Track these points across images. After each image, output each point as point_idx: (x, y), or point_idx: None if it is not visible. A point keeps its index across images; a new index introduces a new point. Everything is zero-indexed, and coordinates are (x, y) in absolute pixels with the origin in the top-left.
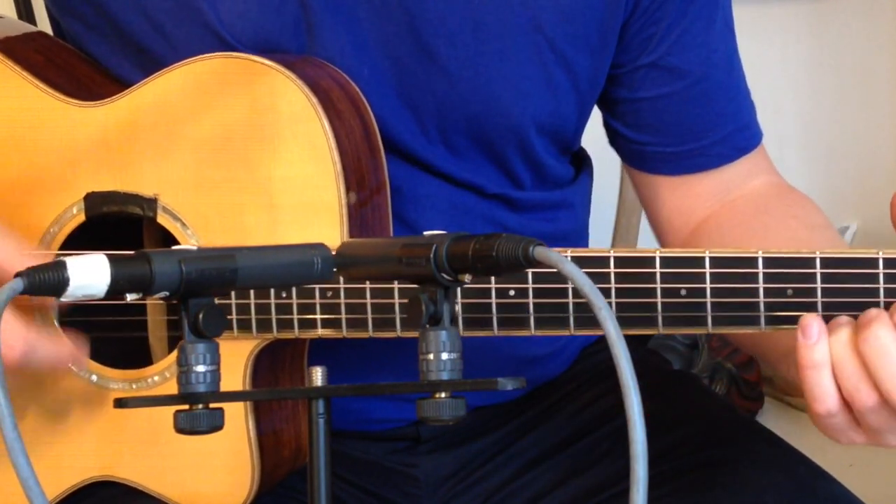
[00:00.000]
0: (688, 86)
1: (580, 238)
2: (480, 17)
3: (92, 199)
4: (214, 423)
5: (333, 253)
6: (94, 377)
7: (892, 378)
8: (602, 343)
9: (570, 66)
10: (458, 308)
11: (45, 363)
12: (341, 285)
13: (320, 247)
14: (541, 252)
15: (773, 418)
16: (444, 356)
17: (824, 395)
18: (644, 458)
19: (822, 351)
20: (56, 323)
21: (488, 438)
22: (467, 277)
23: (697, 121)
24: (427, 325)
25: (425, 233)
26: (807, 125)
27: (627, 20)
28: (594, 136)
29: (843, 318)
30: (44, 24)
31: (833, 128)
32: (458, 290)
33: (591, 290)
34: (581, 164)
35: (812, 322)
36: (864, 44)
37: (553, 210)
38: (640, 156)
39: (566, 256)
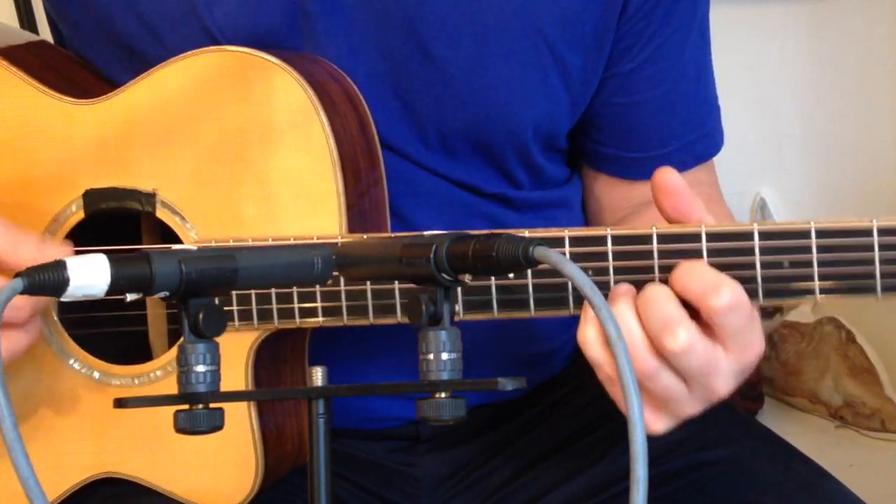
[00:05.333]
0: (658, 95)
1: None
2: (481, 19)
3: (91, 196)
4: (214, 424)
5: (337, 244)
6: (95, 373)
7: (659, 322)
8: None
9: (565, 68)
10: (458, 291)
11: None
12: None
13: (320, 247)
14: (541, 252)
15: (773, 418)
16: (444, 356)
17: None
18: (644, 458)
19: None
20: (56, 318)
21: (488, 438)
22: (467, 277)
23: (663, 129)
24: (427, 325)
25: (425, 233)
26: (807, 125)
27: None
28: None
29: (623, 287)
30: (44, 29)
31: (833, 128)
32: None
33: (590, 290)
34: (576, 164)
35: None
36: (864, 43)
37: (551, 209)
38: (597, 156)
39: (563, 236)
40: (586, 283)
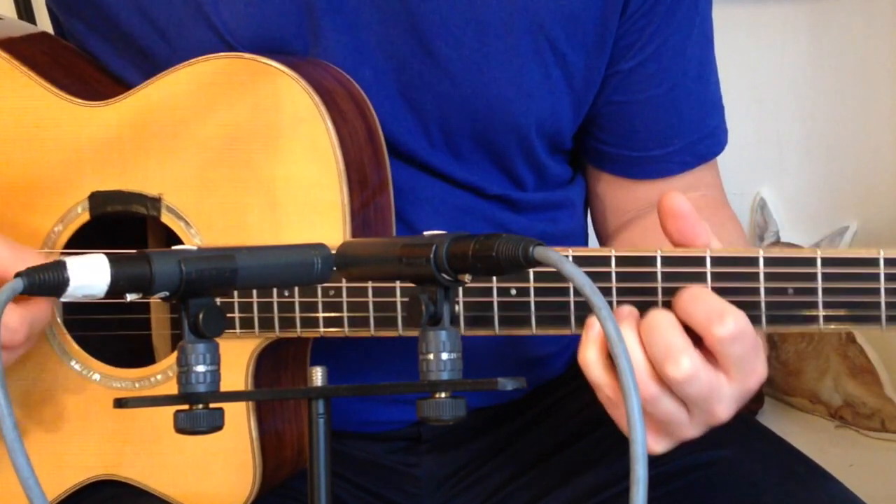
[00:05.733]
0: (660, 94)
1: (580, 238)
2: (483, 18)
3: (96, 199)
4: (214, 424)
5: (334, 252)
6: (97, 376)
7: (663, 351)
8: None
9: (567, 66)
10: (460, 307)
11: (43, 326)
12: (343, 284)
13: (320, 247)
14: (541, 252)
15: (773, 418)
16: (444, 356)
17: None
18: (644, 459)
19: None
20: (59, 320)
21: (488, 438)
22: (467, 277)
23: (665, 128)
24: (427, 325)
25: (425, 233)
26: (807, 125)
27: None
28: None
29: (626, 309)
30: (44, 24)
31: (833, 128)
32: (460, 289)
33: (590, 291)
34: (578, 164)
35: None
36: (864, 44)
37: (554, 210)
38: (599, 155)
39: (567, 256)
40: (586, 284)
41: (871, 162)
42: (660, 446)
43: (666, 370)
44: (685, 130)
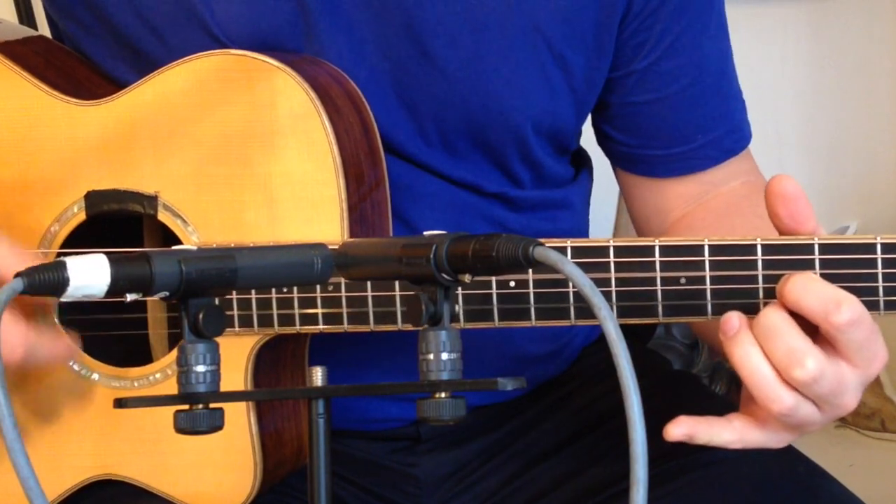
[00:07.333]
0: (679, 90)
1: (580, 237)
2: (479, 18)
3: (93, 198)
4: (214, 424)
5: (335, 248)
6: (95, 375)
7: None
8: (602, 343)
9: (567, 67)
10: (459, 300)
11: (45, 362)
12: (342, 279)
13: (320, 247)
14: (541, 252)
15: None
16: (444, 356)
17: (776, 392)
18: (644, 459)
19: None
20: (56, 320)
21: (488, 438)
22: (467, 277)
23: (687, 125)
24: (427, 325)
25: (425, 233)
26: (807, 125)
27: (620, 23)
28: (594, 136)
29: (735, 319)
30: (44, 26)
31: (833, 128)
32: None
33: (591, 290)
34: (581, 163)
35: (732, 316)
36: (864, 43)
37: (552, 209)
38: (627, 158)
39: (566, 245)
40: (586, 284)
41: (871, 162)
42: (783, 443)
43: (793, 374)
44: (709, 126)
